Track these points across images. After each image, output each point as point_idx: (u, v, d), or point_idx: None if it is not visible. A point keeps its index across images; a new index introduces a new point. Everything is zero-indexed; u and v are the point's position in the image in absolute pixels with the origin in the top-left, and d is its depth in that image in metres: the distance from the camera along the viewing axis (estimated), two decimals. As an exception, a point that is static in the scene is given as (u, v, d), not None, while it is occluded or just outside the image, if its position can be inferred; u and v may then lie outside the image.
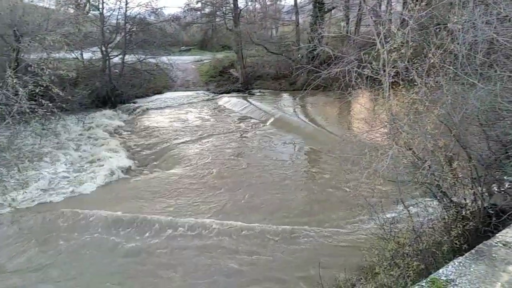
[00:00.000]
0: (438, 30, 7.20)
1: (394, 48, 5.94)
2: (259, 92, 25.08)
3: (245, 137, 16.29)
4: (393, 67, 6.08)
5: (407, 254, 5.32)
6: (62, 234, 9.07)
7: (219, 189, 11.31)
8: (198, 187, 11.52)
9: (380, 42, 6.41)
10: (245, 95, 24.30)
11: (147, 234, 8.97)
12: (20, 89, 5.82)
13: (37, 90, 6.41)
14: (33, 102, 6.35)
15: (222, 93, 25.07)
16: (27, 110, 6.01)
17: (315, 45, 11.75)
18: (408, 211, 5.99)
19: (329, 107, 19.87)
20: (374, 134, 7.65)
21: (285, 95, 23.86)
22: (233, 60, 28.14)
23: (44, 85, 6.20)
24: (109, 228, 9.18)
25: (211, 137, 16.30)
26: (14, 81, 5.80)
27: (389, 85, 6.18)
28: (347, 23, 26.34)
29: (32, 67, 6.74)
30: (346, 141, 8.01)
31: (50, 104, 6.51)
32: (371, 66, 6.39)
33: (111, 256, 8.24)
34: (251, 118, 19.08)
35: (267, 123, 17.88)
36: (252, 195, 10.83)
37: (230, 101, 22.60)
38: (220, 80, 27.51)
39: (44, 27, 14.62)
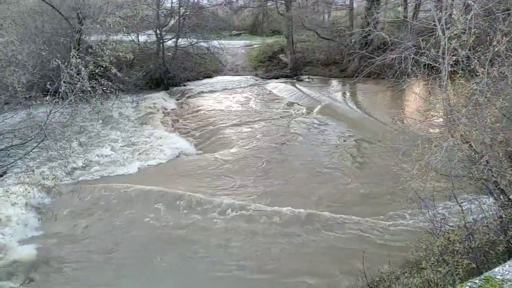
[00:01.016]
0: (505, 15, 6.70)
1: (455, 34, 5.61)
2: (308, 78, 24.73)
3: (291, 123, 16.21)
4: (453, 55, 5.75)
5: (457, 251, 5.11)
6: (113, 207, 9.65)
7: (264, 174, 11.44)
8: (245, 171, 11.72)
9: (440, 28, 6.08)
10: (293, 81, 24.07)
11: (190, 212, 9.30)
12: (83, 68, 6.18)
13: (97, 70, 6.78)
14: (93, 82, 6.72)
15: (270, 79, 25.00)
16: (89, 89, 6.39)
17: (369, 30, 11.37)
18: (461, 207, 5.74)
19: (380, 96, 19.21)
20: (428, 125, 7.34)
21: (335, 82, 23.35)
22: (282, 45, 27.86)
23: (104, 65, 6.54)
24: (159, 204, 9.62)
25: (257, 122, 16.40)
26: (78, 61, 6.17)
27: (448, 74, 5.87)
28: (405, 8, 25.06)
29: (93, 48, 7.09)
30: (397, 131, 7.75)
31: (110, 84, 6.86)
32: (429, 54, 6.11)
33: (159, 231, 8.66)
34: (298, 104, 18.92)
35: (315, 110, 17.65)
36: (297, 182, 10.85)
37: (278, 87, 22.52)
38: (269, 65, 27.39)
39: (104, 10, 15.31)
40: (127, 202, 9.81)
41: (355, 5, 25.86)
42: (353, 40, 24.27)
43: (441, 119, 6.68)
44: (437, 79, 6.29)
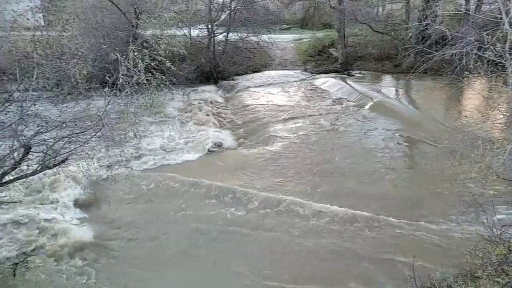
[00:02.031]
0: None
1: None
2: (359, 73, 24.03)
3: (340, 120, 15.87)
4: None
5: (518, 262, 4.76)
6: (164, 196, 10.02)
7: (310, 171, 11.31)
8: (290, 167, 11.66)
9: (508, 21, 5.64)
10: (343, 76, 23.50)
11: (234, 205, 9.41)
12: (140, 61, 6.43)
13: (152, 64, 7.03)
14: (148, 75, 6.97)
15: (319, 73, 24.59)
16: (144, 82, 6.64)
17: (427, 24, 10.79)
18: (525, 214, 5.33)
19: (437, 93, 18.24)
20: (490, 125, 6.89)
21: (388, 78, 22.51)
22: (333, 39, 27.27)
23: (159, 59, 6.77)
24: (205, 196, 9.84)
25: (305, 118, 16.20)
26: (135, 55, 6.43)
27: (515, 71, 5.45)
28: (466, 0, 23.56)
29: (149, 42, 7.36)
30: (455, 132, 7.33)
31: (164, 77, 7.09)
32: (494, 49, 5.70)
33: (204, 222, 8.87)
34: (348, 100, 18.46)
35: (366, 107, 17.12)
36: (344, 181, 10.61)
37: (327, 82, 22.08)
38: (319, 60, 26.93)
39: (160, 5, 15.81)
40: (174, 192, 10.13)
41: (412, -3, 24.71)
42: (409, 34, 23.21)
43: (505, 119, 6.24)
44: (502, 76, 5.87)
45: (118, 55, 6.55)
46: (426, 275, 5.93)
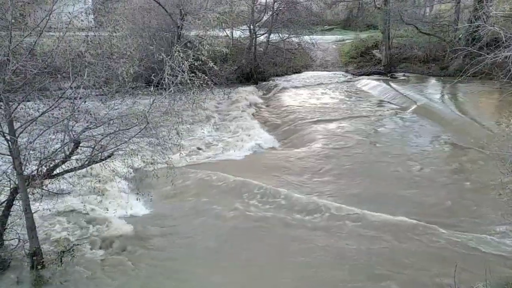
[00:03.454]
0: None
1: None
2: (403, 75, 23.33)
3: (382, 123, 15.49)
4: None
5: None
6: (202, 191, 10.23)
7: (348, 174, 11.12)
8: (329, 169, 11.51)
9: None
10: (386, 78, 22.91)
11: (280, 207, 9.40)
12: (185, 61, 6.63)
13: (196, 64, 7.22)
14: (192, 74, 7.17)
15: (361, 75, 24.13)
16: (188, 81, 6.84)
17: (479, 24, 10.29)
18: None
19: (486, 98, 17.36)
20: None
21: (433, 81, 21.68)
22: (377, 40, 26.64)
23: (202, 59, 6.94)
24: (244, 195, 9.94)
25: (344, 120, 15.94)
26: (180, 55, 6.63)
27: None
28: (523, 0, 22.21)
29: (192, 43, 7.56)
30: (505, 138, 6.94)
31: (206, 77, 7.26)
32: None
33: (242, 221, 8.96)
34: (390, 103, 17.98)
35: (409, 110, 16.59)
36: (385, 186, 10.31)
37: (369, 84, 21.61)
38: (361, 62, 26.42)
39: (204, 6, 16.17)
40: (215, 190, 10.32)
41: (462, -3, 23.68)
42: (458, 35, 22.25)
43: None
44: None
45: (164, 55, 6.78)
46: (467, 286, 5.68)
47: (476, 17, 16.06)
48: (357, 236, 8.15)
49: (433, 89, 20.00)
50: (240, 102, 19.14)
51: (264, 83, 23.30)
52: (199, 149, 13.50)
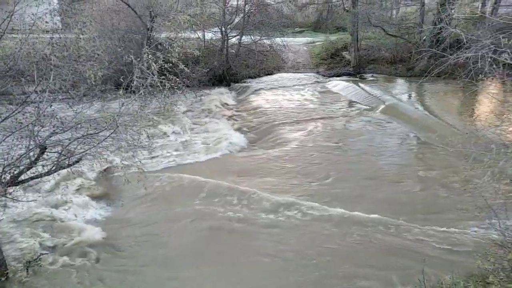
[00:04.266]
0: None
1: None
2: (372, 76, 23.90)
3: (351, 123, 15.80)
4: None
5: (531, 268, 4.69)
6: (175, 195, 10.12)
7: (319, 174, 11.29)
8: (300, 169, 11.66)
9: (524, 24, 5.58)
10: (356, 79, 23.40)
11: (247, 206, 9.46)
12: (153, 64, 6.55)
13: (166, 66, 7.15)
14: (162, 77, 7.09)
15: (331, 76, 24.56)
16: (158, 84, 6.76)
17: (442, 27, 10.71)
18: (539, 220, 5.25)
19: (450, 97, 18.05)
20: (504, 129, 6.80)
21: (400, 81, 22.33)
22: (346, 42, 27.16)
23: (173, 61, 6.88)
24: (220, 197, 9.91)
25: (316, 120, 16.17)
26: (149, 57, 6.55)
27: (531, 75, 5.39)
28: (482, 3, 23.27)
29: (163, 45, 7.49)
30: (468, 135, 7.25)
31: (177, 79, 7.20)
32: (510, 52, 5.64)
33: (215, 223, 8.94)
34: (360, 103, 18.38)
35: (377, 110, 17.02)
36: (354, 184, 10.57)
37: (339, 85, 22.02)
38: (331, 63, 26.87)
39: (175, 8, 16.00)
40: (187, 192, 10.24)
41: (426, 0, 24.50)
42: (423, 37, 23.03)
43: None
44: (518, 79, 5.80)
45: (133, 58, 6.68)
46: (436, 279, 5.88)
47: (439, 19, 16.71)
48: (326, 234, 8.30)
49: (400, 89, 20.60)
50: (213, 104, 19.06)
51: (236, 85, 23.30)
52: (171, 152, 13.34)
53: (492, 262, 5.13)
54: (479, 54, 6.64)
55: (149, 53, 6.58)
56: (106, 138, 7.18)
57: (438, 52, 10.35)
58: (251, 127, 16.27)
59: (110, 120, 6.96)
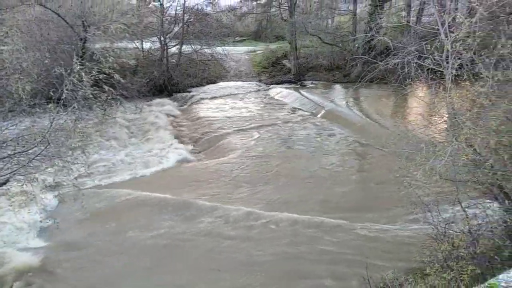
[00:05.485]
0: (510, 18, 6.68)
1: (460, 38, 5.59)
2: (311, 83, 24.73)
3: (294, 129, 16.18)
4: (458, 59, 5.72)
5: (461, 257, 5.05)
6: (118, 213, 9.65)
7: (266, 180, 11.40)
8: (247, 177, 11.69)
9: (444, 32, 6.05)
10: (296, 86, 24.08)
11: (194, 218, 9.28)
12: (84, 75, 6.21)
13: (100, 77, 6.81)
14: (97, 88, 6.75)
15: (273, 84, 25.04)
16: (91, 96, 6.41)
17: (372, 35, 11.35)
18: (465, 212, 5.68)
19: (384, 100, 19.15)
20: (432, 129, 7.29)
21: (338, 87, 23.31)
22: (286, 50, 27.91)
23: (107, 72, 6.58)
24: (162, 211, 9.61)
25: (260, 128, 16.35)
26: (78, 68, 6.21)
27: (452, 78, 5.84)
28: (408, 13, 25.08)
29: (96, 55, 7.14)
30: (401, 136, 7.70)
31: (113, 91, 6.89)
32: (432, 58, 6.08)
33: (163, 238, 8.64)
34: (301, 110, 18.90)
35: (318, 116, 17.62)
36: (300, 188, 10.79)
37: (281, 92, 22.52)
38: (272, 71, 27.43)
39: (109, 17, 15.46)
40: (130, 209, 9.79)
41: (358, 10, 25.92)
42: (356, 45, 24.28)
43: (445, 123, 6.64)
44: (441, 83, 6.25)
45: (62, 69, 6.30)
46: (379, 276, 6.12)
47: (370, 28, 17.73)
48: (272, 239, 8.36)
49: (338, 94, 21.49)
50: (154, 115, 18.54)
51: (178, 94, 22.91)
52: (110, 167, 12.70)
53: (428, 255, 5.45)
54: (406, 60, 7.10)
55: (79, 64, 6.24)
56: (36, 157, 6.67)
57: (370, 59, 10.97)
58: (195, 138, 16.05)
59: (40, 136, 6.48)
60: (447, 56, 5.86)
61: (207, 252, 8.11)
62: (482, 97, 5.19)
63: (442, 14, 6.52)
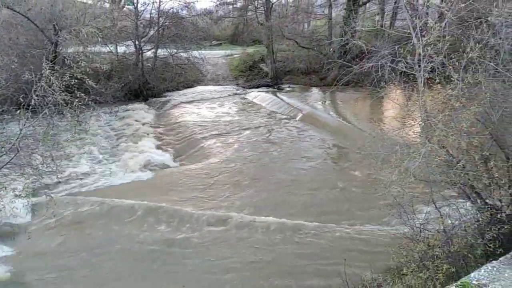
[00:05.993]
0: (478, 23, 6.88)
1: (431, 42, 5.72)
2: (289, 87, 24.89)
3: (272, 132, 16.23)
4: (429, 62, 5.85)
5: (437, 256, 5.14)
6: (92, 221, 9.39)
7: (244, 184, 11.35)
8: (225, 181, 11.60)
9: (416, 36, 6.19)
10: (274, 90, 24.20)
11: (172, 225, 9.13)
12: (54, 80, 6.02)
13: (72, 82, 6.61)
14: (69, 94, 6.55)
15: (251, 88, 25.08)
16: (61, 101, 6.22)
17: (347, 39, 11.51)
18: (440, 212, 5.79)
19: (359, 103, 19.47)
20: (406, 131, 7.42)
21: (315, 90, 23.55)
22: (263, 54, 28.03)
23: (79, 77, 6.40)
24: (136, 218, 9.40)
25: (238, 132, 16.31)
26: (47, 72, 6.01)
27: (424, 81, 5.96)
28: (382, 17, 25.65)
29: (67, 60, 6.94)
30: (376, 138, 7.81)
31: (85, 96, 6.70)
32: (405, 61, 6.20)
33: (135, 245, 8.45)
34: (279, 113, 18.98)
35: (296, 119, 17.73)
36: (278, 191, 10.80)
37: (259, 96, 22.56)
38: (250, 75, 27.49)
39: (82, 21, 15.10)
40: (104, 217, 9.54)
41: (333, 14, 26.29)
42: (332, 49, 24.61)
43: (419, 125, 6.77)
44: (414, 85, 6.38)
45: (30, 75, 6.09)
46: (358, 277, 6.17)
47: (345, 32, 18.01)
48: (253, 243, 8.33)
49: (315, 98, 21.70)
50: (129, 121, 18.22)
51: (155, 99, 22.62)
52: (84, 175, 12.34)
53: (404, 255, 5.53)
54: (380, 63, 7.22)
55: (50, 68, 6.04)
56: (5, 165, 6.42)
57: (345, 62, 11.13)
58: (173, 143, 15.84)
59: (9, 144, 6.24)
60: (419, 60, 5.98)
61: (182, 260, 7.98)
62: (453, 99, 5.31)
63: (414, 18, 6.66)
